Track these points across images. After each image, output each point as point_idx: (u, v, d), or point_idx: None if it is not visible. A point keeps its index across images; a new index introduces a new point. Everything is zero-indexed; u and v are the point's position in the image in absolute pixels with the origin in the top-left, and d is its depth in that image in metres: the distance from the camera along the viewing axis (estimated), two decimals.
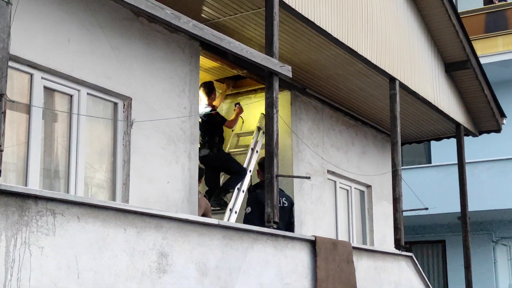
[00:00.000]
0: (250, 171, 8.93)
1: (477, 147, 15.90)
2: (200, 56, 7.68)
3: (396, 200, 9.02)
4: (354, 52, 8.50)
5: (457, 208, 11.84)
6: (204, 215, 7.46)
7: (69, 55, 5.94)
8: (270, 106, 6.70)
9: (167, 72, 7.05)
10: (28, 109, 5.66)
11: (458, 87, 11.61)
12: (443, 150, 16.77)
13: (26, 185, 5.49)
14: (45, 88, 5.83)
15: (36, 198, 4.02)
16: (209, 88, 8.82)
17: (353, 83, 9.89)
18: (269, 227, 6.35)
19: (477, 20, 17.54)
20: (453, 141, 12.46)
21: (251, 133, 9.45)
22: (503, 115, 12.48)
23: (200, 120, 8.41)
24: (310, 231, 9.23)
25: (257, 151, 9.15)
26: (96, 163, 6.31)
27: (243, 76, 9.21)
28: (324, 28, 7.77)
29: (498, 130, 12.79)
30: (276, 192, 6.53)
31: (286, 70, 6.89)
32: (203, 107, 8.62)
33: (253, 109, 9.53)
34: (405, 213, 9.13)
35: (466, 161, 11.96)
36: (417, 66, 10.16)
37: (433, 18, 10.35)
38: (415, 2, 10.14)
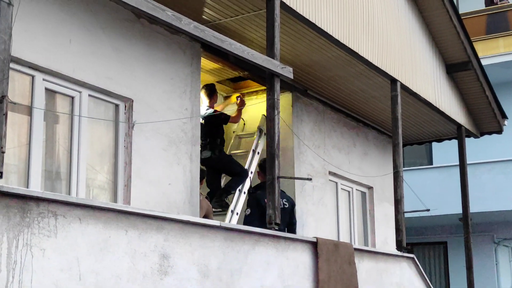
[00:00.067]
0: (251, 172, 8.93)
1: (478, 148, 15.88)
2: (201, 57, 7.68)
3: (398, 202, 9.02)
4: (355, 53, 8.50)
5: (458, 210, 11.84)
6: (205, 216, 7.45)
7: (70, 56, 5.94)
8: (272, 107, 6.69)
9: (168, 74, 7.05)
10: (29, 110, 5.66)
11: (460, 89, 11.60)
12: (445, 152, 16.76)
13: (27, 187, 5.48)
14: (47, 89, 5.83)
15: (37, 199, 4.02)
16: (210, 90, 8.82)
17: (354, 85, 9.88)
18: (270, 228, 6.35)
19: (478, 22, 17.54)
20: (454, 142, 12.45)
21: (252, 134, 9.45)
22: (504, 116, 12.48)
23: (202, 121, 8.42)
24: (312, 232, 9.23)
25: (258, 153, 9.15)
26: (98, 165, 6.31)
27: (244, 78, 9.21)
28: (325, 30, 7.77)
29: (499, 131, 12.78)
30: (278, 194, 6.53)
31: (287, 72, 6.89)
32: (204, 109, 8.62)
33: (254, 111, 9.53)
34: (406, 215, 9.13)
35: (468, 162, 11.95)
36: (419, 68, 10.16)
37: (434, 20, 10.35)
38: (416, 3, 10.14)
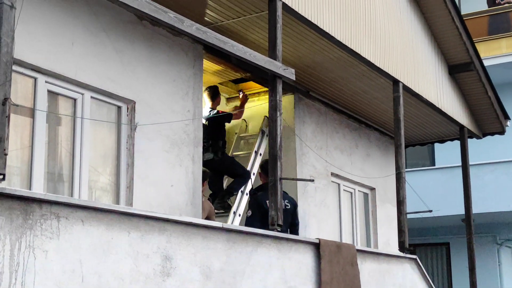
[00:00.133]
0: (253, 174, 8.94)
1: (481, 149, 15.86)
2: (204, 59, 7.68)
3: (400, 203, 9.01)
4: (357, 54, 8.50)
5: (461, 210, 11.82)
6: (208, 218, 7.46)
7: (73, 58, 5.95)
8: (274, 109, 6.69)
9: (170, 75, 7.06)
10: (32, 113, 5.67)
11: (462, 89, 11.60)
12: (447, 152, 16.75)
13: (30, 189, 5.49)
14: (49, 92, 5.84)
15: (40, 201, 4.02)
16: (214, 92, 8.83)
17: (356, 86, 9.88)
18: (273, 230, 6.35)
19: (480, 22, 17.53)
20: (457, 143, 12.44)
21: (254, 136, 9.45)
22: (507, 117, 12.47)
23: (206, 123, 8.43)
24: (314, 233, 9.23)
25: (260, 154, 9.15)
26: (100, 167, 6.31)
27: (246, 79, 9.21)
28: (327, 31, 7.77)
29: (502, 132, 12.78)
30: (280, 195, 6.53)
31: (290, 73, 6.89)
32: (207, 111, 8.63)
33: (257, 112, 9.53)
34: (409, 216, 9.12)
35: (470, 163, 11.94)
36: (421, 69, 10.16)
37: (436, 21, 10.35)
38: (419, 4, 10.13)
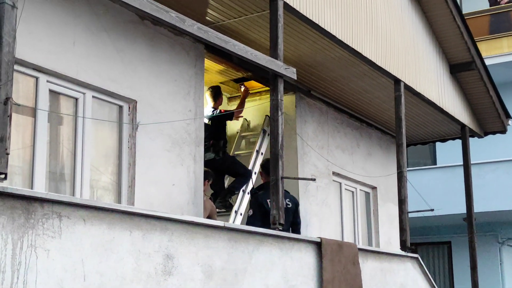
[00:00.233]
0: (255, 173, 8.95)
1: (482, 148, 15.86)
2: (205, 58, 7.69)
3: (402, 202, 9.01)
4: (358, 54, 8.50)
5: (462, 209, 11.82)
6: (209, 217, 7.47)
7: (74, 58, 5.96)
8: (275, 108, 6.70)
9: (172, 75, 7.07)
10: (33, 112, 5.67)
11: (463, 88, 11.59)
12: (448, 152, 16.74)
13: (32, 188, 5.50)
14: (51, 91, 5.85)
15: (42, 201, 4.03)
16: (216, 92, 8.83)
17: (357, 85, 9.89)
18: (274, 229, 6.36)
19: (482, 22, 17.52)
20: (458, 142, 12.43)
21: (256, 135, 9.46)
22: (508, 116, 12.46)
23: (209, 122, 8.43)
24: (316, 232, 9.23)
25: (262, 153, 9.16)
26: (102, 166, 6.32)
27: (247, 79, 9.22)
28: (328, 30, 7.77)
29: (503, 131, 12.77)
30: (281, 194, 6.53)
31: (291, 72, 6.89)
32: (209, 111, 8.64)
33: (258, 112, 9.53)
34: (410, 215, 9.12)
35: (472, 162, 11.93)
36: (422, 68, 10.15)
37: (437, 20, 10.34)
38: (420, 3, 10.13)
